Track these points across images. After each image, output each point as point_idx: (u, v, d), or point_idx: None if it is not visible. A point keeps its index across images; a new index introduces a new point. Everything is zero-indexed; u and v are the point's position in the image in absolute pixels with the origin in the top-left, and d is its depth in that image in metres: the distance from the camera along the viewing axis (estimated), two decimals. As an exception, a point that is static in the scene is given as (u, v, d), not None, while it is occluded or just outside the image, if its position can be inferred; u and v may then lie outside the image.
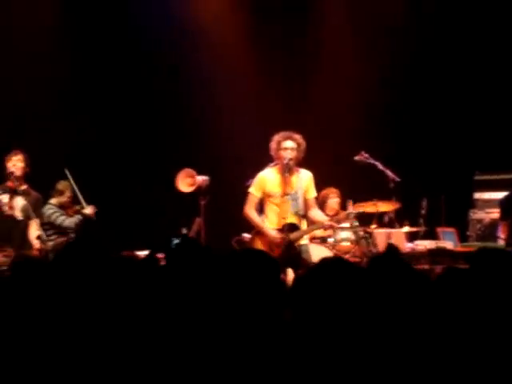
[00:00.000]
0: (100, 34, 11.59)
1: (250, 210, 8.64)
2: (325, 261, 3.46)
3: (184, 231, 9.67)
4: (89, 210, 9.58)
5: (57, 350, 3.16)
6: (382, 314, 3.21)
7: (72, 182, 9.59)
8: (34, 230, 8.91)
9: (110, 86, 11.69)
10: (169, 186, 10.07)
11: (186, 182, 9.99)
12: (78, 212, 9.63)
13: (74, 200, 9.67)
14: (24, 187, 9.16)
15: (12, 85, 10.96)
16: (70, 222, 9.59)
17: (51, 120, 11.18)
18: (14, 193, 9.01)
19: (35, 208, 9.06)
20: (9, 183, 9.03)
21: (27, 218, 8.98)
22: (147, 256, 4.05)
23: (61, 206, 9.70)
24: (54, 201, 9.71)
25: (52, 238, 9.49)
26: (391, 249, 6.87)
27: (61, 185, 9.69)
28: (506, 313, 3.27)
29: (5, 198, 9.06)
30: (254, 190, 8.62)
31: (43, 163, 9.84)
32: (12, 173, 8.97)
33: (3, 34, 11.00)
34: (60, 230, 9.59)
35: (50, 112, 11.18)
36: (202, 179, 9.95)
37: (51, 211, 9.60)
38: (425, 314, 3.22)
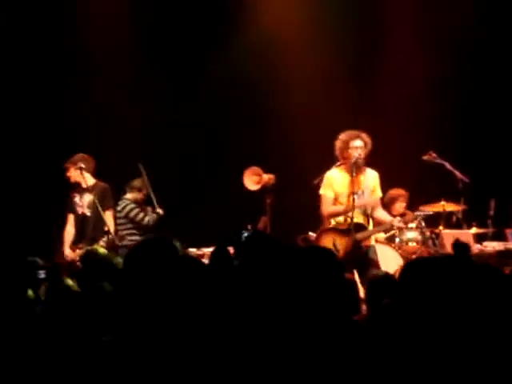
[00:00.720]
0: (175, 32, 11.67)
1: (329, 208, 8.52)
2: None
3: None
4: (161, 210, 9.69)
5: (126, 345, 3.19)
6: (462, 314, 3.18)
7: (145, 177, 9.71)
8: (108, 220, 9.11)
9: (182, 83, 11.74)
10: (235, 184, 10.10)
11: (253, 179, 10.00)
12: (155, 212, 9.73)
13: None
14: (91, 183, 9.34)
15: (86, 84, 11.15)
16: (148, 219, 9.70)
17: (126, 117, 11.32)
18: (82, 192, 9.29)
19: (103, 198, 9.24)
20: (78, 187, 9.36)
21: (96, 212, 9.13)
22: (217, 249, 4.04)
23: (135, 203, 9.84)
24: (129, 196, 9.87)
25: (132, 231, 9.67)
26: (459, 247, 6.79)
27: (138, 182, 9.83)
28: None
29: (77, 199, 9.35)
30: (326, 191, 8.56)
31: (117, 158, 10.12)
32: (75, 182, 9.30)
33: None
34: (138, 226, 9.72)
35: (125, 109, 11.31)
36: (268, 177, 9.95)
37: (131, 206, 9.77)
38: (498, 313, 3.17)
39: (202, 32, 11.69)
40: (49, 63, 11.23)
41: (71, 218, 9.42)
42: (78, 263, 8.48)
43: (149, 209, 9.79)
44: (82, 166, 9.23)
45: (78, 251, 9.04)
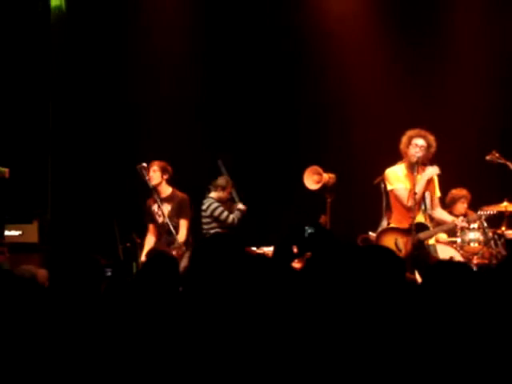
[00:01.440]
0: (238, 33, 11.71)
1: (409, 201, 8.37)
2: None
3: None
4: (242, 205, 9.86)
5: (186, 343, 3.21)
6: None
7: (226, 173, 9.89)
8: (182, 229, 9.29)
9: (245, 86, 11.79)
10: (296, 183, 10.11)
11: (313, 179, 9.99)
12: (238, 209, 9.86)
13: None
14: (168, 193, 9.50)
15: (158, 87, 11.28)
16: (233, 218, 9.81)
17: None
18: (160, 201, 9.40)
19: (180, 209, 9.41)
20: (155, 195, 9.42)
21: (173, 221, 9.30)
22: (281, 245, 4.03)
23: (220, 201, 9.93)
24: (214, 195, 9.94)
25: (212, 231, 9.74)
26: None
27: (223, 180, 9.93)
28: None
29: (156, 208, 9.48)
30: (397, 184, 8.45)
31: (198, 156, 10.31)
32: (152, 187, 9.39)
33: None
34: (223, 224, 9.81)
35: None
36: (328, 176, 9.93)
37: (215, 205, 9.84)
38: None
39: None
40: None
41: (151, 227, 9.58)
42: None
43: (235, 206, 9.90)
44: (166, 177, 9.41)
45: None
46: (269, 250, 8.98)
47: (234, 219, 9.81)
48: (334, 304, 3.32)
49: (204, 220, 9.89)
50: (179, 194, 9.54)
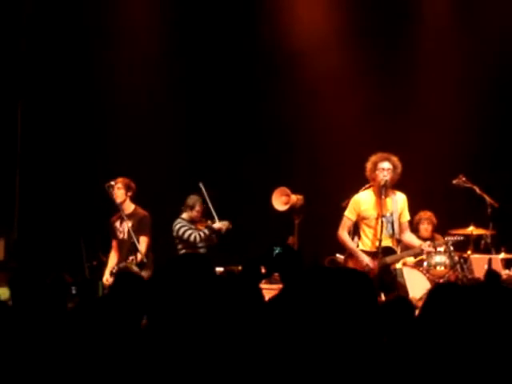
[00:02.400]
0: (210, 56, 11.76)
1: (344, 233, 8.59)
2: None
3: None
4: (219, 224, 9.84)
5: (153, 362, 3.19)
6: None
7: (206, 196, 9.90)
8: (141, 246, 9.23)
9: (216, 109, 11.82)
10: (264, 204, 10.12)
11: (281, 200, 10.03)
12: (207, 226, 9.88)
13: (208, 215, 9.97)
14: (131, 210, 9.50)
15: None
16: (194, 236, 9.83)
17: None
18: (122, 219, 9.41)
19: (141, 226, 9.38)
20: (121, 212, 9.44)
21: (131, 238, 9.27)
22: (248, 265, 4.03)
23: (191, 221, 9.98)
24: (184, 215, 10.02)
25: (182, 252, 9.80)
26: (492, 275, 6.75)
27: (191, 200, 10.01)
28: None
29: (118, 224, 9.52)
30: (349, 214, 8.57)
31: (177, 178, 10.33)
32: (117, 204, 9.42)
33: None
34: (188, 244, 9.86)
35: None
36: (296, 198, 9.96)
37: (178, 226, 9.92)
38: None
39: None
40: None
41: (114, 243, 9.61)
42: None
43: (208, 222, 9.94)
44: (130, 194, 9.40)
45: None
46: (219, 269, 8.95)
47: (195, 237, 9.83)
48: (302, 326, 3.32)
49: (175, 241, 9.97)
50: (141, 211, 9.54)
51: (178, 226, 9.92)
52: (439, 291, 3.43)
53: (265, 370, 3.12)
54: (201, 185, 9.95)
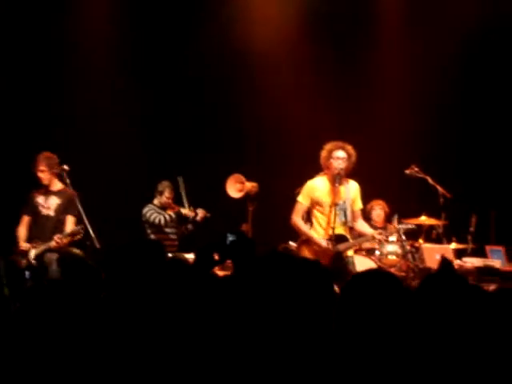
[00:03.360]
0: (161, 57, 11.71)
1: (298, 219, 8.63)
2: (371, 273, 3.41)
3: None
4: (186, 210, 10.09)
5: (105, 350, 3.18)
6: (431, 331, 3.18)
7: (182, 187, 10.16)
8: (69, 225, 9.10)
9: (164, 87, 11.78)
10: (218, 191, 10.11)
11: (235, 187, 10.03)
12: (175, 211, 10.11)
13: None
14: (59, 187, 9.32)
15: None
16: (159, 219, 10.07)
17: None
18: (48, 194, 9.23)
19: (69, 205, 9.19)
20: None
21: (60, 215, 9.18)
22: (201, 252, 4.01)
23: (161, 207, 10.21)
24: (155, 201, 10.28)
25: (151, 237, 10.01)
26: (445, 264, 6.78)
27: (161, 185, 10.26)
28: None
29: (41, 199, 9.27)
30: (303, 199, 8.60)
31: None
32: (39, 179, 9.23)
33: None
34: (156, 228, 10.10)
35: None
36: (251, 185, 9.97)
37: (146, 210, 10.16)
38: (479, 331, 3.18)
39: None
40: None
41: (27, 218, 9.30)
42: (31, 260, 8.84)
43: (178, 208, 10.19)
44: (55, 171, 9.21)
45: (32, 249, 9.00)
46: (190, 257, 8.95)
47: (160, 220, 10.07)
48: (254, 313, 3.32)
49: (145, 227, 10.20)
50: (68, 190, 9.27)
51: (145, 210, 10.14)
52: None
53: (213, 355, 3.12)
54: (179, 179, 10.15)
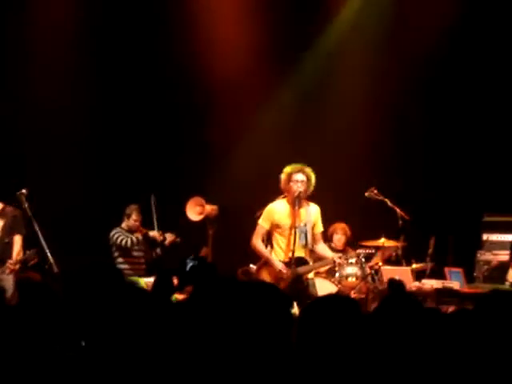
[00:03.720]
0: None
1: (258, 242, 8.64)
2: (330, 297, 3.45)
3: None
4: (154, 232, 9.96)
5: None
6: (387, 352, 3.20)
7: (153, 207, 9.96)
8: (17, 245, 9.06)
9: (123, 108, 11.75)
10: (178, 214, 10.09)
11: (195, 210, 10.03)
12: (144, 233, 10.01)
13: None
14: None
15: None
16: (125, 241, 9.94)
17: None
18: None
19: (13, 225, 9.15)
20: None
21: (6, 237, 9.08)
22: (160, 277, 4.01)
23: (129, 230, 10.08)
24: (123, 224, 10.15)
25: (119, 260, 9.94)
26: (394, 286, 6.81)
27: (128, 209, 10.14)
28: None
29: None
30: (263, 222, 8.62)
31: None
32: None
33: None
34: (123, 251, 9.98)
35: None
36: (210, 208, 9.97)
37: (113, 232, 10.04)
38: (435, 352, 3.20)
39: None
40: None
41: None
42: None
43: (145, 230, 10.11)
44: None
45: None
46: (149, 280, 8.90)
47: (126, 242, 9.94)
48: (213, 338, 3.32)
49: (111, 249, 10.10)
50: (10, 209, 9.24)
51: (112, 233, 10.03)
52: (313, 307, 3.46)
53: (170, 378, 3.11)
54: (152, 197, 9.99)
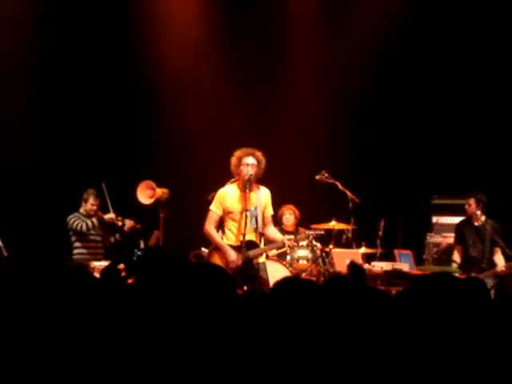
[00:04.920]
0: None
1: (210, 227, 8.62)
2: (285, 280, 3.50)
3: (142, 243, 9.66)
4: (110, 215, 9.98)
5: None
6: (339, 331, 3.24)
7: (105, 192, 9.96)
8: None
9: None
10: (128, 198, 10.05)
11: (146, 193, 9.99)
12: (98, 217, 10.02)
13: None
14: None
15: None
16: (80, 225, 9.94)
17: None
18: None
19: None
20: None
21: None
22: (108, 266, 3.99)
23: (87, 215, 10.04)
24: (81, 209, 10.12)
25: (76, 244, 9.97)
26: (354, 267, 6.87)
27: (85, 194, 10.10)
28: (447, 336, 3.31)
29: None
30: (215, 208, 8.61)
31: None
32: None
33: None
34: (80, 235, 9.96)
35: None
36: (161, 191, 9.94)
37: (70, 217, 10.04)
38: (379, 333, 3.25)
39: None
40: None
41: None
42: None
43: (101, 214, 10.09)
44: None
45: None
46: (100, 264, 8.87)
47: (82, 226, 9.93)
48: (159, 321, 3.32)
49: (70, 235, 10.08)
50: None
51: (69, 218, 10.01)
52: (282, 285, 3.52)
53: (114, 361, 3.11)
54: (103, 184, 9.97)
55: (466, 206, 9.96)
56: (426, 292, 3.32)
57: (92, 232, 9.99)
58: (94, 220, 9.94)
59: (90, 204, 10.04)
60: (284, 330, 3.27)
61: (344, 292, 3.34)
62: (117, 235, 10.10)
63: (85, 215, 10.04)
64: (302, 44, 11.77)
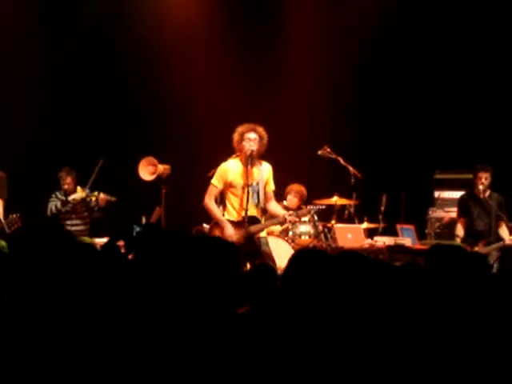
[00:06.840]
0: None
1: (211, 201, 8.61)
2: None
3: (144, 219, 9.67)
4: (73, 196, 9.97)
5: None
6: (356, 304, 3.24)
7: (96, 169, 9.91)
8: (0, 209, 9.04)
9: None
10: (130, 174, 10.03)
11: (148, 170, 9.97)
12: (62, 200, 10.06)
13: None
14: None
15: None
16: (50, 207, 10.03)
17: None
18: None
19: None
20: None
21: None
22: (107, 243, 3.98)
23: (65, 194, 10.09)
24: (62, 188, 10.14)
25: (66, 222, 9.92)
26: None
27: (60, 173, 10.11)
28: (459, 308, 3.31)
29: None
30: (216, 181, 8.60)
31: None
32: None
33: None
34: (55, 215, 10.00)
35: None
36: (163, 168, 9.92)
37: (50, 199, 10.09)
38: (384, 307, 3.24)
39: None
40: None
41: None
42: None
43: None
44: None
45: None
46: (101, 241, 8.87)
47: (51, 208, 10.03)
48: (165, 293, 3.31)
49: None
50: None
51: (49, 199, 10.11)
52: (300, 257, 3.50)
53: (121, 342, 3.11)
54: (100, 160, 9.93)
55: (483, 180, 9.88)
56: (440, 264, 3.33)
57: (67, 209, 10.01)
58: (59, 203, 9.97)
59: (67, 183, 10.07)
60: (300, 303, 3.24)
61: (359, 266, 3.33)
62: (95, 213, 10.11)
63: (63, 194, 10.09)
64: (301, 17, 11.70)
